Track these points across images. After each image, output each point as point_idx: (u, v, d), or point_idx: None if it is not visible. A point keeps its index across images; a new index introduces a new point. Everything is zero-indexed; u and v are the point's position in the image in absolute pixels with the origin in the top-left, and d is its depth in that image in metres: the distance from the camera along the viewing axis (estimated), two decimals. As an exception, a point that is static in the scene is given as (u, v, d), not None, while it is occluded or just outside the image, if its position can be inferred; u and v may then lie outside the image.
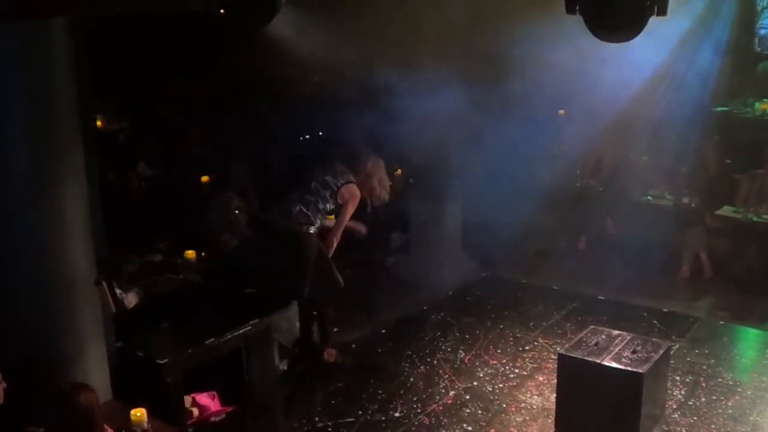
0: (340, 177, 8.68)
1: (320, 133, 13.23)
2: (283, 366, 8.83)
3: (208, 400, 7.91)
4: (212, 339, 7.78)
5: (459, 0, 10.80)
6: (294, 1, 8.44)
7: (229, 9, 8.30)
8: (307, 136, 13.35)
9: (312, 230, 8.54)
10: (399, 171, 12.13)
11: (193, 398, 7.82)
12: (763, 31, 14.98)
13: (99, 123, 11.74)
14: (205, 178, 11.15)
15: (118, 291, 7.85)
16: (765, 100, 13.99)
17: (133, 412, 6.22)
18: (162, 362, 7.29)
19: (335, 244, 8.79)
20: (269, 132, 12.53)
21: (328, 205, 8.60)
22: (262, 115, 12.95)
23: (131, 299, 8.18)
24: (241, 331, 8.03)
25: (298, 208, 8.54)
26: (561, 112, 12.77)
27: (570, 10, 6.13)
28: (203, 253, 9.45)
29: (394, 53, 11.07)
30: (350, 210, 8.73)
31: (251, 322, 8.14)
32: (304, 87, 12.55)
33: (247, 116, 12.96)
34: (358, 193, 8.72)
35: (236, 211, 10.03)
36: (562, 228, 12.05)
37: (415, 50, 10.72)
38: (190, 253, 9.28)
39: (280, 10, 7.43)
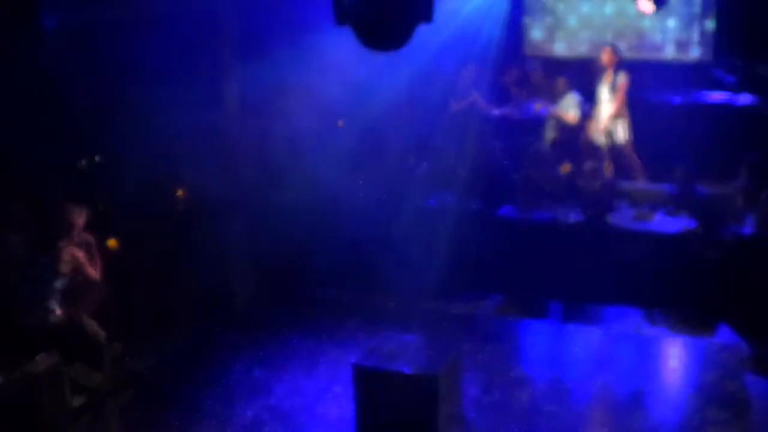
0: (51, 252, 8.60)
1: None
2: (78, 401, 8.54)
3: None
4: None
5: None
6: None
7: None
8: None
9: (56, 313, 8.48)
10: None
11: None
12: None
13: None
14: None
15: None
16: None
17: None
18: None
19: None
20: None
21: (57, 285, 8.54)
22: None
23: None
24: (29, 369, 7.79)
25: (33, 306, 8.47)
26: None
27: (340, 22, 6.23)
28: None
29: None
30: (85, 265, 8.68)
31: (38, 358, 7.92)
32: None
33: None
34: (74, 251, 8.65)
35: (17, 248, 9.67)
36: None
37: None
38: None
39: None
